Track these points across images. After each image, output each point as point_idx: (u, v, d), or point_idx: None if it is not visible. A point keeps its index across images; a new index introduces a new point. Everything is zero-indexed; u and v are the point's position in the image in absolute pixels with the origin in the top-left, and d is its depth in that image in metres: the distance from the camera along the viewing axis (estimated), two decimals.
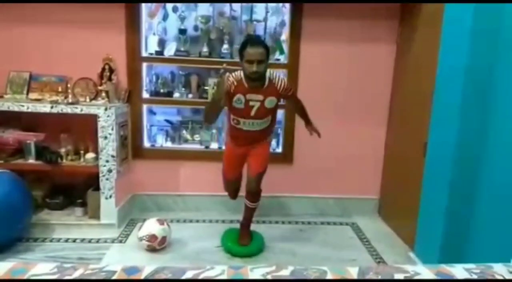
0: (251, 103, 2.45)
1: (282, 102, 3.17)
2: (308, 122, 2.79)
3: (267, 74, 2.46)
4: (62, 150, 2.97)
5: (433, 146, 2.40)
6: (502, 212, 1.94)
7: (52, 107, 2.77)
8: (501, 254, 1.91)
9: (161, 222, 2.66)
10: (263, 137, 2.67)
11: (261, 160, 2.64)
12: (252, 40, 2.43)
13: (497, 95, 2.03)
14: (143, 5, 3.13)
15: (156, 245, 2.61)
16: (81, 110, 2.79)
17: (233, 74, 2.45)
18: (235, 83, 2.43)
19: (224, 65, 2.32)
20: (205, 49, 3.20)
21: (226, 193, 2.98)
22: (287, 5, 3.19)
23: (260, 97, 2.45)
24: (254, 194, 2.65)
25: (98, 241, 2.78)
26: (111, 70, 3.06)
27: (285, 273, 1.22)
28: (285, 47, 3.27)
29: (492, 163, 2.04)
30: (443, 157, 2.26)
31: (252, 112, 2.48)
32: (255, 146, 2.65)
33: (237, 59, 3.14)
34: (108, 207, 2.91)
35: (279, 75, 2.55)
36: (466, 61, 2.10)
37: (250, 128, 2.55)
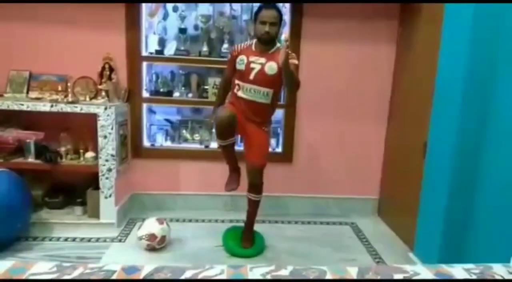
0: (252, 65, 2.49)
1: (282, 102, 3.21)
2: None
3: (278, 44, 2.53)
4: (62, 149, 2.97)
5: (433, 146, 2.40)
6: (502, 212, 1.94)
7: (52, 106, 2.76)
8: (501, 254, 1.91)
9: (160, 221, 2.66)
10: (260, 117, 2.59)
11: (260, 152, 2.61)
12: (267, 3, 2.49)
13: (497, 95, 2.03)
14: (144, 4, 3.13)
15: (156, 244, 2.61)
16: (81, 109, 2.79)
17: (244, 42, 2.63)
18: (243, 46, 2.56)
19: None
20: (205, 48, 3.20)
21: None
22: (287, 5, 3.19)
23: (263, 60, 2.49)
24: (256, 186, 2.64)
25: (97, 240, 2.78)
26: (111, 69, 3.06)
27: (284, 273, 1.22)
28: (284, 45, 3.26)
29: (491, 162, 2.04)
30: (443, 156, 2.26)
31: (252, 75, 2.49)
32: (251, 125, 2.58)
33: None
34: (108, 206, 2.91)
35: (288, 49, 2.37)
36: (466, 61, 2.09)
37: (249, 96, 2.53)
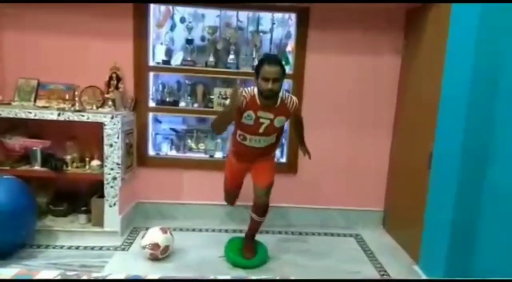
0: (261, 120, 2.46)
1: None
2: (302, 142, 2.82)
3: (280, 94, 2.47)
4: (68, 157, 2.99)
5: (439, 157, 2.39)
6: (508, 225, 1.92)
7: (59, 114, 2.79)
8: (507, 268, 1.89)
9: (164, 230, 2.66)
10: (268, 153, 2.68)
11: (268, 174, 2.64)
12: (270, 58, 2.42)
13: (503, 106, 2.02)
14: (151, 15, 3.17)
15: (159, 254, 2.61)
16: (88, 118, 2.81)
17: (247, 89, 2.46)
18: (248, 98, 2.43)
19: (239, 81, 2.34)
20: (211, 59, 3.23)
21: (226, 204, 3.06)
22: (293, 16, 3.22)
23: (271, 115, 2.46)
24: (263, 208, 2.63)
25: (101, 248, 2.78)
26: (118, 79, 3.09)
27: None
28: (290, 58, 3.29)
29: (498, 174, 2.03)
30: (449, 168, 2.25)
31: (261, 130, 2.49)
32: (259, 160, 2.66)
33: (242, 69, 3.21)
34: (112, 214, 2.91)
35: (291, 96, 2.56)
36: (471, 73, 2.10)
37: (256, 145, 2.56)
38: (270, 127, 2.50)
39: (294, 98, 2.56)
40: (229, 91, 3.19)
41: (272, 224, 3.24)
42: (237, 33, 3.26)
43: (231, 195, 2.93)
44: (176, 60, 3.25)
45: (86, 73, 3.12)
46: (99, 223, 2.93)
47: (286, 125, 3.29)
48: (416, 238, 2.57)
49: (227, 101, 2.66)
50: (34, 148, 2.93)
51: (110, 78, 3.09)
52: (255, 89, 2.44)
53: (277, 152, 3.33)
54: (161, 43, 3.27)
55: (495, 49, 2.05)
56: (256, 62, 2.95)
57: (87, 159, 3.02)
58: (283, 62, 2.48)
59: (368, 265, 2.78)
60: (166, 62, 3.23)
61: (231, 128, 2.68)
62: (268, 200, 2.62)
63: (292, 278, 1.22)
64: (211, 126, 2.55)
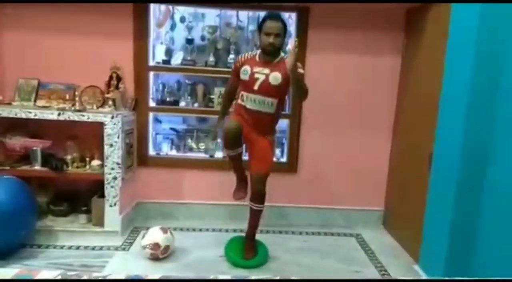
0: (256, 75, 2.50)
1: (287, 112, 3.22)
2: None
3: (282, 54, 2.54)
4: (68, 157, 2.99)
5: (439, 157, 2.39)
6: (508, 224, 1.92)
7: (59, 114, 2.79)
8: (508, 267, 1.89)
9: (164, 230, 2.66)
10: (265, 125, 2.61)
11: (264, 161, 2.62)
12: (272, 15, 2.50)
13: (503, 107, 2.02)
14: (151, 15, 3.17)
15: (159, 254, 2.61)
16: (88, 118, 2.81)
17: (248, 53, 2.61)
18: (247, 57, 2.56)
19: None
20: (211, 58, 3.23)
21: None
22: (293, 16, 3.22)
23: (267, 71, 2.50)
24: (259, 195, 2.62)
25: (101, 248, 2.78)
26: (119, 79, 3.09)
27: None
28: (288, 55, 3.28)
29: (498, 173, 2.03)
30: (449, 168, 2.25)
31: (256, 86, 2.50)
32: (256, 136, 2.60)
33: None
34: (112, 214, 2.91)
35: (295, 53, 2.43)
36: (471, 73, 2.10)
37: (254, 106, 2.54)
38: (265, 84, 2.50)
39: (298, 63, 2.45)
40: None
41: (272, 224, 3.25)
42: (237, 33, 3.26)
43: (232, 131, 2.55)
44: (176, 60, 3.25)
45: (86, 73, 3.12)
46: (100, 223, 2.93)
47: (286, 125, 3.31)
48: (416, 238, 2.57)
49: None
50: (34, 148, 2.93)
51: (110, 78, 3.09)
52: (259, 51, 2.56)
53: (277, 151, 3.33)
54: (161, 43, 3.27)
55: (495, 49, 2.05)
56: None
57: (87, 159, 3.02)
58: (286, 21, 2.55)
59: (369, 265, 2.78)
60: (166, 62, 3.23)
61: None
62: (264, 188, 2.62)
63: (293, 278, 1.22)
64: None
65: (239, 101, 2.62)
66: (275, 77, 2.49)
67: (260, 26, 2.48)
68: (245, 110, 2.58)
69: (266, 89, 2.51)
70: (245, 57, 2.59)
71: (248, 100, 2.55)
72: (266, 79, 2.49)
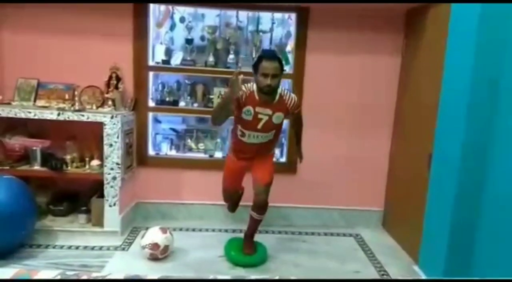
0: (259, 116, 2.48)
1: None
2: (299, 142, 2.86)
3: (279, 90, 2.49)
4: (68, 157, 2.99)
5: (438, 158, 2.39)
6: (508, 224, 1.92)
7: (59, 114, 2.79)
8: (508, 268, 1.89)
9: (164, 230, 2.66)
10: (266, 151, 2.69)
11: (267, 171, 2.65)
12: (268, 54, 2.43)
13: (502, 107, 2.02)
14: (151, 15, 3.17)
15: (159, 254, 2.61)
16: (88, 118, 2.81)
17: (246, 85, 2.46)
18: (247, 94, 2.44)
19: (239, 68, 2.33)
20: (211, 58, 3.23)
21: (226, 205, 3.04)
22: (293, 16, 3.22)
23: (269, 111, 2.48)
24: (262, 206, 2.63)
25: (101, 248, 2.78)
26: (118, 79, 3.09)
27: None
28: (290, 58, 3.29)
29: (497, 174, 2.03)
30: (448, 168, 2.25)
31: (259, 126, 2.50)
32: (258, 158, 2.66)
33: (242, 69, 3.20)
34: (112, 214, 2.91)
35: (290, 92, 2.58)
36: (471, 73, 2.10)
37: (254, 141, 2.57)
38: (268, 124, 2.50)
39: (294, 95, 2.57)
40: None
41: (271, 224, 3.25)
42: (237, 33, 3.26)
43: (230, 198, 2.93)
44: (176, 60, 3.25)
45: (86, 73, 3.12)
46: (99, 223, 2.93)
47: (285, 125, 3.31)
48: (416, 238, 2.57)
49: (226, 90, 2.63)
50: (34, 148, 2.93)
51: (110, 78, 3.09)
52: (254, 86, 2.46)
53: (277, 152, 3.33)
54: (161, 43, 3.27)
55: (495, 49, 2.05)
56: None
57: (87, 159, 3.01)
58: (282, 59, 2.48)
59: (368, 265, 2.78)
60: (166, 62, 3.23)
61: (228, 130, 2.69)
62: (267, 198, 2.62)
63: (292, 278, 1.22)
64: (211, 117, 2.56)
65: (239, 136, 2.60)
66: (278, 117, 2.52)
67: (255, 65, 2.40)
68: (245, 145, 2.60)
69: (269, 127, 2.53)
70: (246, 94, 2.44)
71: (250, 137, 2.56)
72: (270, 120, 2.50)
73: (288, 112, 2.56)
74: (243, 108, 2.46)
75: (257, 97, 2.45)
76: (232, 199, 2.95)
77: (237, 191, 2.92)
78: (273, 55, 2.43)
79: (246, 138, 2.56)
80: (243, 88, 2.42)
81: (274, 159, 3.05)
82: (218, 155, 3.38)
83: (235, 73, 2.26)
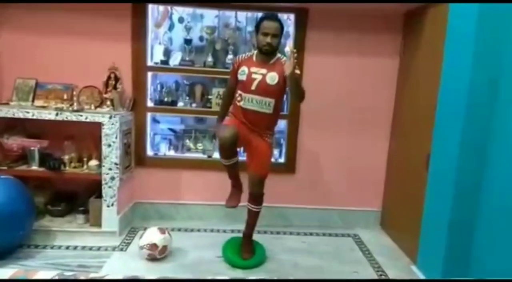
0: (253, 75, 2.51)
1: (285, 113, 3.22)
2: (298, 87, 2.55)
3: (279, 55, 2.55)
4: (66, 157, 2.98)
5: (436, 158, 2.39)
6: (506, 224, 1.92)
7: (57, 114, 2.79)
8: (506, 268, 1.89)
9: (162, 230, 2.66)
10: (264, 125, 2.60)
11: (262, 163, 2.62)
12: (269, 15, 2.51)
13: (501, 107, 2.03)
14: (150, 15, 3.17)
15: (157, 254, 2.60)
16: (86, 118, 2.81)
17: (245, 53, 2.63)
18: (244, 57, 2.58)
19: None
20: (209, 59, 3.23)
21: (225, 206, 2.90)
22: (292, 17, 3.22)
23: (263, 70, 2.51)
24: (257, 197, 2.64)
25: (99, 249, 2.78)
26: (117, 79, 3.09)
27: None
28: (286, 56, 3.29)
29: (496, 174, 2.04)
30: (446, 169, 2.26)
31: (253, 86, 2.51)
32: (255, 136, 2.59)
33: None
34: (110, 214, 2.91)
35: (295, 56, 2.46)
36: (469, 74, 2.10)
37: (251, 106, 2.54)
38: (262, 84, 2.50)
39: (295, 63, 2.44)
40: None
41: (270, 224, 3.25)
42: (235, 34, 3.27)
43: (227, 137, 2.48)
44: (175, 60, 3.25)
45: (84, 73, 3.12)
46: (97, 223, 2.93)
47: (284, 125, 3.31)
48: (414, 239, 2.57)
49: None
50: (32, 148, 2.93)
51: (109, 78, 3.08)
52: (256, 51, 2.57)
53: (276, 152, 3.33)
54: (160, 43, 3.27)
55: (493, 49, 2.06)
56: None
57: (85, 159, 3.01)
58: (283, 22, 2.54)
59: (366, 266, 2.78)
60: (165, 62, 3.22)
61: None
62: (262, 190, 2.63)
63: (291, 278, 1.22)
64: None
65: (237, 102, 2.61)
66: (272, 77, 2.50)
67: (257, 26, 2.50)
68: (243, 111, 2.58)
69: (264, 89, 2.51)
70: (242, 57, 2.61)
71: (246, 100, 2.55)
72: (263, 79, 2.50)
73: (283, 74, 2.43)
74: (239, 69, 2.55)
75: (254, 59, 2.55)
76: (229, 150, 2.56)
77: (236, 136, 2.48)
78: (274, 16, 2.51)
79: (243, 102, 2.56)
80: (239, 56, 2.63)
81: (273, 159, 3.05)
82: (217, 155, 3.37)
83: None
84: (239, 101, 2.59)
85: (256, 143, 2.61)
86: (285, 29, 3.25)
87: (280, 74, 2.49)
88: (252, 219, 2.71)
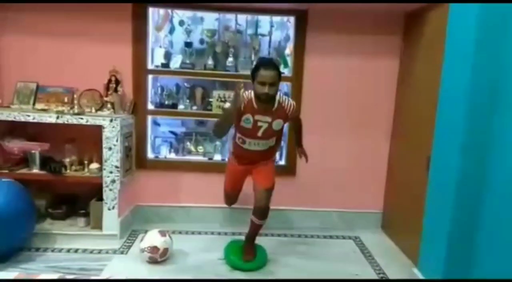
0: (259, 123, 2.48)
1: None
2: (300, 143, 2.86)
3: (277, 97, 2.50)
4: (67, 160, 2.99)
5: (437, 160, 2.39)
6: (508, 226, 1.92)
7: (58, 117, 2.79)
8: (508, 270, 1.89)
9: (163, 233, 2.65)
10: (267, 157, 2.69)
11: (268, 176, 2.65)
12: (265, 63, 2.43)
13: (501, 109, 2.03)
14: (150, 18, 3.18)
15: (158, 257, 2.60)
16: (87, 121, 2.81)
17: (244, 93, 2.47)
18: (246, 102, 2.46)
19: (242, 84, 2.33)
20: (210, 62, 3.24)
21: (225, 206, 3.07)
22: (292, 19, 3.23)
23: (269, 119, 2.48)
24: (263, 211, 2.62)
25: (100, 252, 2.78)
26: (117, 82, 3.10)
27: None
28: (289, 61, 3.30)
29: (496, 176, 2.03)
30: (447, 170, 2.25)
31: (259, 133, 2.51)
32: (259, 164, 2.67)
33: (240, 72, 3.21)
34: (111, 217, 2.91)
35: (288, 99, 2.58)
36: (470, 75, 2.10)
37: (255, 148, 2.58)
38: (268, 131, 2.51)
39: (292, 101, 2.59)
40: (228, 94, 3.21)
41: (271, 227, 3.24)
42: (236, 36, 3.27)
43: (231, 198, 2.95)
44: (175, 63, 3.25)
45: (85, 76, 3.12)
46: (98, 226, 2.93)
47: (285, 128, 3.31)
48: (415, 240, 2.57)
49: (227, 104, 2.64)
50: (33, 151, 2.93)
51: (109, 81, 3.09)
52: (252, 93, 2.47)
53: (277, 155, 3.32)
54: (160, 46, 3.28)
55: (494, 50, 2.05)
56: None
57: (86, 162, 3.01)
58: (280, 65, 2.51)
59: (367, 267, 2.78)
60: (165, 65, 3.23)
61: (231, 133, 2.70)
62: (268, 203, 2.62)
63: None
64: (212, 130, 2.55)
65: (239, 143, 2.61)
66: (278, 124, 2.53)
67: (253, 73, 2.41)
68: (245, 151, 2.61)
69: (269, 134, 2.54)
70: (244, 103, 2.44)
71: (251, 144, 2.57)
72: (270, 127, 2.51)
73: (288, 118, 2.57)
74: (242, 116, 2.46)
75: (255, 105, 2.46)
76: (233, 199, 2.96)
77: (237, 194, 2.92)
78: (270, 63, 2.43)
79: (246, 145, 2.57)
80: (243, 96, 2.44)
81: (275, 163, 3.05)
82: (217, 157, 3.38)
83: (238, 87, 2.28)
84: (241, 143, 2.59)
85: (261, 166, 2.68)
86: (285, 32, 3.30)
87: (284, 119, 2.54)
88: (254, 230, 2.72)
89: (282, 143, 3.40)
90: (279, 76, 2.42)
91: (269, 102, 2.45)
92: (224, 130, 2.50)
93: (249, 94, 2.48)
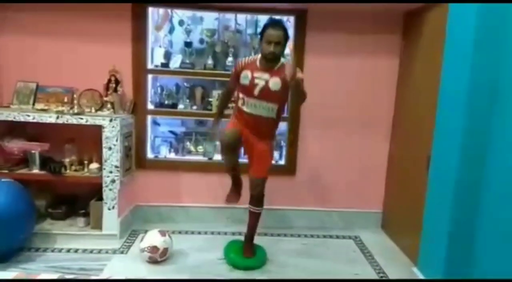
0: (256, 80, 2.50)
1: (285, 115, 3.23)
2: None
3: (283, 60, 2.54)
4: (66, 160, 2.99)
5: (437, 159, 2.39)
6: (508, 226, 1.92)
7: (57, 117, 2.79)
8: (508, 269, 1.89)
9: (162, 233, 2.66)
10: (266, 130, 2.63)
11: (263, 165, 2.64)
12: (274, 23, 2.49)
13: (501, 109, 2.03)
14: (150, 18, 3.18)
15: (158, 257, 2.60)
16: (86, 121, 2.81)
17: (248, 57, 2.61)
18: (247, 61, 2.55)
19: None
20: (210, 61, 3.24)
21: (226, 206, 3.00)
22: (291, 19, 3.23)
23: (266, 76, 2.50)
24: (259, 198, 2.66)
25: (99, 251, 2.78)
26: (117, 82, 3.10)
27: None
28: (288, 60, 3.29)
29: (496, 175, 2.03)
30: (447, 170, 2.25)
31: (256, 91, 2.51)
32: (257, 140, 2.61)
33: None
34: (111, 217, 2.91)
35: (294, 64, 2.46)
36: (469, 74, 2.10)
37: (254, 111, 2.55)
38: (265, 90, 2.50)
39: (297, 68, 2.46)
40: None
41: (270, 226, 3.25)
42: (235, 36, 3.27)
43: (230, 142, 2.58)
44: (175, 63, 3.25)
45: (85, 76, 3.12)
46: (98, 226, 2.93)
47: (285, 128, 3.31)
48: (415, 240, 2.57)
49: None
50: (33, 151, 2.93)
51: (109, 81, 3.09)
52: (259, 55, 2.54)
53: (276, 154, 3.33)
54: (160, 46, 3.28)
55: (493, 50, 2.05)
56: None
57: (85, 162, 3.01)
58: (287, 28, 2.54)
59: (367, 267, 2.78)
60: (165, 65, 3.23)
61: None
62: (263, 191, 2.65)
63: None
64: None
65: (239, 105, 2.61)
66: (275, 82, 2.50)
67: (261, 34, 2.48)
68: (245, 115, 2.58)
69: (267, 94, 2.51)
70: (245, 61, 2.58)
71: (248, 105, 2.56)
72: (267, 85, 2.50)
73: (286, 80, 2.43)
74: (241, 73, 2.53)
75: (258, 64, 2.52)
76: (232, 160, 2.69)
77: (239, 137, 2.57)
78: (278, 23, 2.49)
79: (245, 107, 2.56)
80: (243, 59, 2.60)
81: (273, 161, 3.05)
82: (217, 157, 3.38)
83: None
84: (241, 104, 2.59)
85: (257, 146, 2.62)
86: (288, 35, 3.29)
87: (283, 80, 2.49)
88: (253, 220, 2.73)
89: (282, 143, 3.40)
90: (286, 37, 2.47)
91: (273, 62, 2.50)
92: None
93: (254, 57, 2.58)
